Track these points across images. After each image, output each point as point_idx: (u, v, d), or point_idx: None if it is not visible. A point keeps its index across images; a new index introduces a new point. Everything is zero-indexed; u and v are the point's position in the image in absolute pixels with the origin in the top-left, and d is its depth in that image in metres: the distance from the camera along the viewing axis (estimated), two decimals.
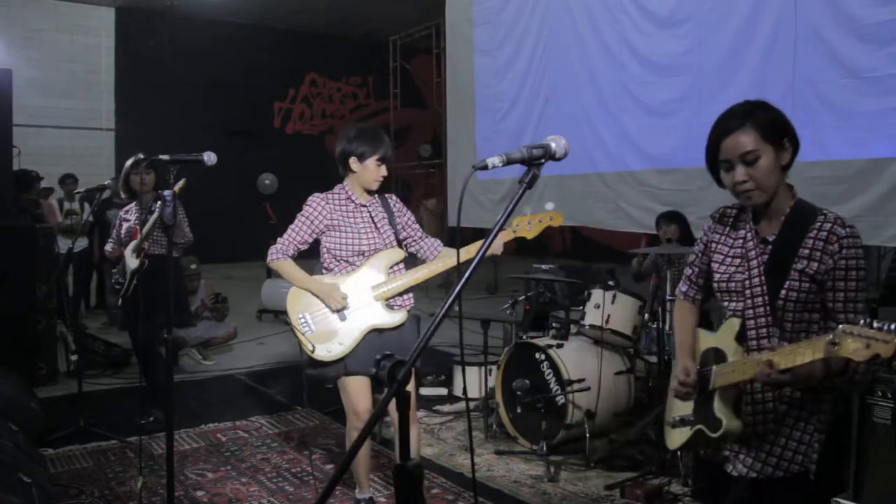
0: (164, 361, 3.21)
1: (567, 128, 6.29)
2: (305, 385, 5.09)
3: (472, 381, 5.07)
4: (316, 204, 3.19)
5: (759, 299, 1.92)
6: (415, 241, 3.33)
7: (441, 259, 3.25)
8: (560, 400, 4.08)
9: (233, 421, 4.81)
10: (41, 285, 5.59)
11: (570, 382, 4.02)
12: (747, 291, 1.95)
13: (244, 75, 14.94)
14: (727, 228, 2.06)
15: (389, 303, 3.15)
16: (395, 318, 3.14)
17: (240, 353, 6.90)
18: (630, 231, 6.17)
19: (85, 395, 4.58)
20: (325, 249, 3.20)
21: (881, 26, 4.29)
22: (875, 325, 1.55)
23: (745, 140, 1.87)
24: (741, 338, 1.96)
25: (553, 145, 1.64)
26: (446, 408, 5.00)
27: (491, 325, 4.54)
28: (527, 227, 3.23)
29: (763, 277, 1.93)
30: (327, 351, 3.09)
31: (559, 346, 4.23)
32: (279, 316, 8.49)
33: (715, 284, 2.06)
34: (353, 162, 3.17)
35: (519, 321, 5.23)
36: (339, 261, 3.17)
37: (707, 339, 2.09)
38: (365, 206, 3.22)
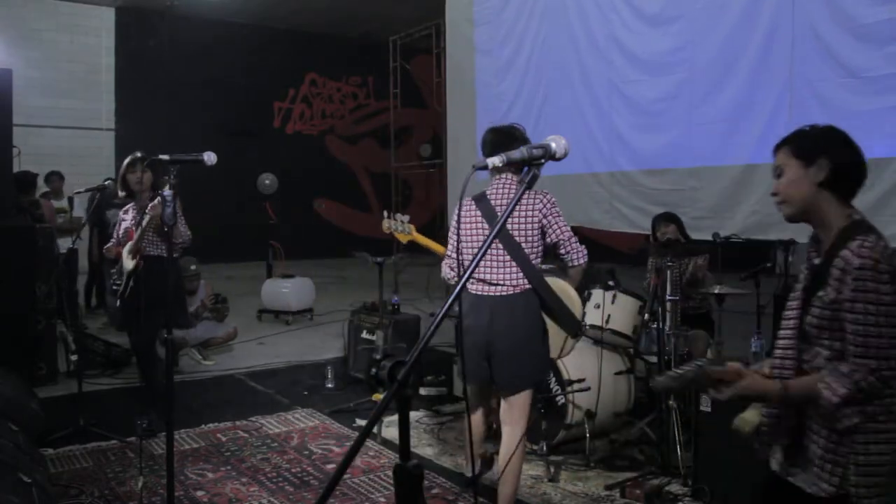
0: (165, 362, 3.21)
1: (564, 128, 6.30)
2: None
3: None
4: None
5: (792, 322, 1.97)
6: None
7: None
8: (560, 400, 4.08)
9: (233, 421, 4.81)
10: (41, 285, 5.58)
11: (570, 382, 4.02)
12: (789, 313, 2.01)
13: (244, 75, 14.95)
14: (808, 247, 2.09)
15: None
16: None
17: (240, 353, 6.90)
18: (625, 231, 6.17)
19: (85, 395, 4.58)
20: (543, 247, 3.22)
21: (879, 25, 4.29)
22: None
23: (776, 157, 2.02)
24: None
25: (553, 145, 1.65)
26: (446, 408, 5.00)
27: None
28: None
29: (801, 300, 1.97)
30: None
31: None
32: (279, 316, 8.50)
33: None
34: None
35: None
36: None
37: None
38: None
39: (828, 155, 1.94)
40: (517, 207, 3.11)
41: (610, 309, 4.24)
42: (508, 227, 3.13)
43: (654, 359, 4.34)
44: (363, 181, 17.37)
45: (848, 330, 1.83)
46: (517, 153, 1.63)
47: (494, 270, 3.15)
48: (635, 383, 4.48)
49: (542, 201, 3.12)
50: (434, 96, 12.66)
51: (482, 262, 3.15)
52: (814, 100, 4.68)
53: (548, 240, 3.16)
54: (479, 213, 3.24)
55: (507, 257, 3.13)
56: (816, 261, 1.97)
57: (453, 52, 8.62)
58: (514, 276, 3.13)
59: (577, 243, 3.15)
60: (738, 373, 1.89)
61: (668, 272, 4.10)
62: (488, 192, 3.24)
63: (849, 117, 4.47)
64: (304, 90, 16.54)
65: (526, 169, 1.65)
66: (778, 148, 2.02)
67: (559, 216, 3.14)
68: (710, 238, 4.95)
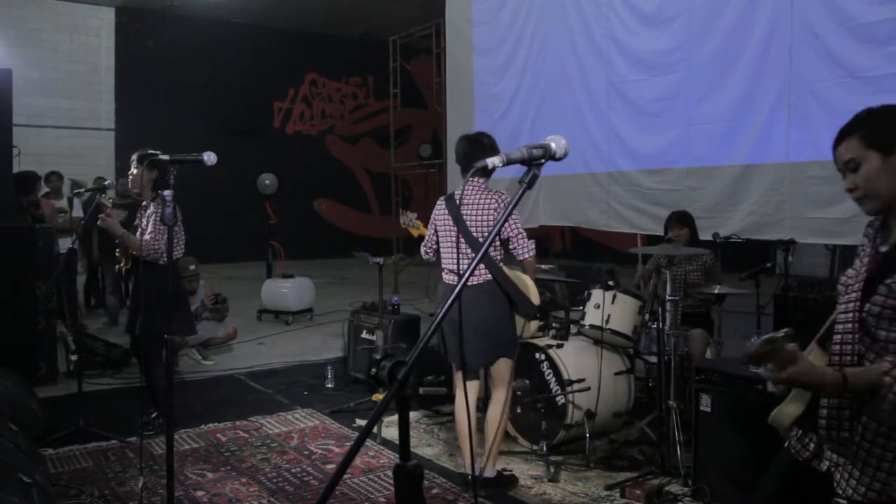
0: (165, 362, 3.20)
1: (562, 128, 6.29)
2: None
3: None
4: None
5: (852, 305, 1.84)
6: None
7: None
8: (560, 400, 4.09)
9: (233, 421, 4.81)
10: (41, 285, 5.58)
11: (570, 382, 4.02)
12: (845, 297, 1.88)
13: (244, 75, 14.96)
14: (871, 233, 1.95)
15: None
16: None
17: (240, 353, 6.90)
18: (622, 231, 6.16)
19: (85, 395, 4.57)
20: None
21: (878, 25, 4.29)
22: None
23: (844, 150, 1.86)
24: (825, 340, 1.90)
25: (553, 145, 1.64)
26: (446, 408, 5.00)
27: None
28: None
29: (861, 285, 1.83)
30: None
31: (559, 346, 4.23)
32: (279, 316, 8.50)
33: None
34: None
35: None
36: None
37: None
38: None
39: None
40: (477, 207, 3.56)
41: (610, 309, 4.24)
42: (470, 224, 3.55)
43: (653, 359, 4.34)
44: (363, 181, 17.37)
45: None
46: (517, 153, 1.63)
47: (463, 263, 3.59)
48: (635, 383, 4.48)
49: (497, 200, 3.54)
50: (434, 96, 12.65)
51: (455, 256, 3.62)
52: (813, 100, 4.68)
53: (503, 235, 3.56)
54: (446, 211, 3.68)
55: (472, 252, 3.56)
56: (883, 248, 1.85)
57: (453, 52, 8.61)
58: (480, 268, 3.52)
59: (526, 239, 3.57)
60: (794, 355, 1.71)
61: (668, 272, 4.10)
62: (456, 193, 3.72)
63: (848, 117, 4.46)
64: (304, 90, 16.54)
65: (526, 169, 1.65)
66: (841, 139, 1.87)
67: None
68: (709, 238, 4.96)
